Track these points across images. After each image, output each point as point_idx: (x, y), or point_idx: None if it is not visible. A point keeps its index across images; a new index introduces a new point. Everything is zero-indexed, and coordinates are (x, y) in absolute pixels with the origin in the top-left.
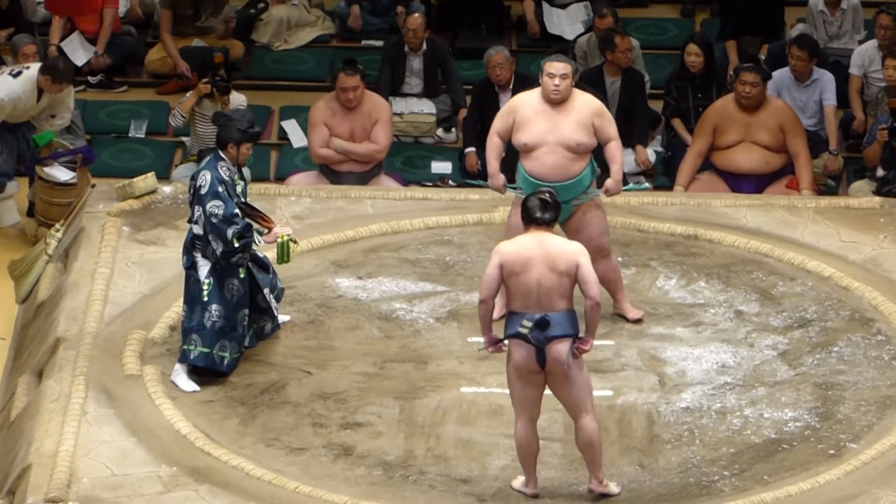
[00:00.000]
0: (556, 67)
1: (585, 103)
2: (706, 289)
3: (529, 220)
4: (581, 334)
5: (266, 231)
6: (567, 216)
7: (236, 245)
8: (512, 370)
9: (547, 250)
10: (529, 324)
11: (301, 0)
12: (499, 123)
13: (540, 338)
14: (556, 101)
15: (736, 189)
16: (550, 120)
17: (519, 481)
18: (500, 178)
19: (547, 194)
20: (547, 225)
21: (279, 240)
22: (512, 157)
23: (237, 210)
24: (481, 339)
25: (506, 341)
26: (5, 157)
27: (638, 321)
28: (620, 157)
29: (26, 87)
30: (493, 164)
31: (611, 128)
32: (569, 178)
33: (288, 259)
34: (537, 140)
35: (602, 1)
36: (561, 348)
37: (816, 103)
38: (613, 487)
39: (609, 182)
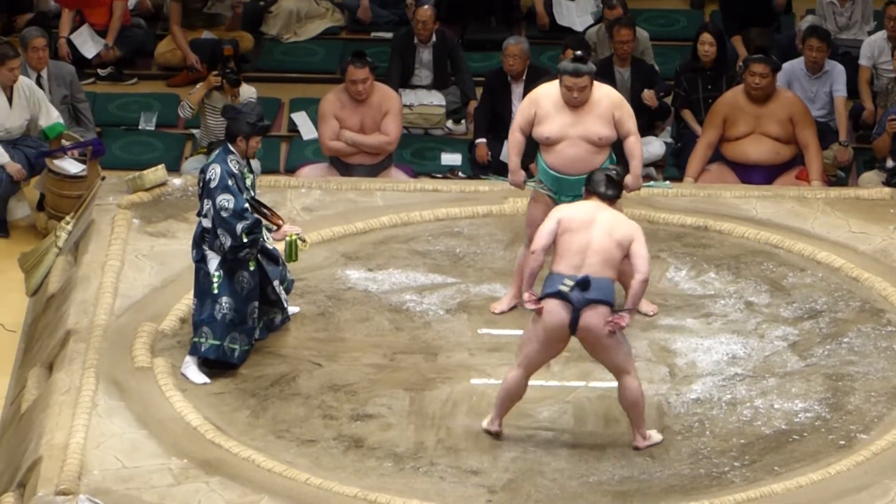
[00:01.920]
0: (574, 82)
1: (605, 95)
2: (716, 280)
3: (592, 192)
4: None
5: (275, 228)
6: None
7: (245, 240)
8: (540, 331)
9: (607, 216)
10: (571, 282)
11: None
12: (520, 118)
13: (580, 298)
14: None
15: (746, 180)
16: (572, 114)
17: (486, 420)
18: (521, 175)
19: (614, 172)
20: (610, 200)
21: (287, 238)
22: (526, 148)
23: (247, 205)
24: (491, 332)
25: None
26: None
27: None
28: (640, 153)
29: None
30: (514, 160)
31: (630, 122)
32: (589, 171)
33: (296, 258)
34: (559, 133)
35: None
36: (595, 315)
37: (827, 94)
38: (656, 436)
39: (629, 178)
